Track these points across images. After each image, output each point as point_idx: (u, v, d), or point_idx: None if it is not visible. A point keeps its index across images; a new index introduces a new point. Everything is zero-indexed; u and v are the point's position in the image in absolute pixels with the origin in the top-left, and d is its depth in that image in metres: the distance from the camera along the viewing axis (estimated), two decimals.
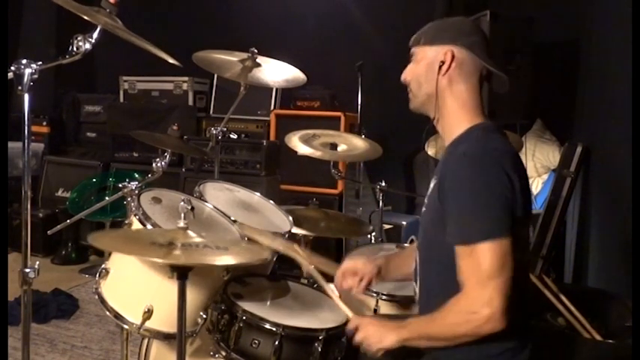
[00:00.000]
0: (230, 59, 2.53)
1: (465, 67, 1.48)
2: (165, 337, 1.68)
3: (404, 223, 3.82)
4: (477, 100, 1.50)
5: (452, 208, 1.38)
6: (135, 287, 1.67)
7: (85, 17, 1.53)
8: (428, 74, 1.50)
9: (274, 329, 1.58)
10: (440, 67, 1.47)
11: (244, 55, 2.50)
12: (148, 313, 1.60)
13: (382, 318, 1.55)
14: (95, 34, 1.53)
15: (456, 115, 1.50)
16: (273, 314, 1.64)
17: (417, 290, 1.58)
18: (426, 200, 1.55)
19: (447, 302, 1.36)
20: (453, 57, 1.47)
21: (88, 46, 1.52)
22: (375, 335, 1.42)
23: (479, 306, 1.29)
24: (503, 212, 1.32)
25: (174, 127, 2.50)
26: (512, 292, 1.30)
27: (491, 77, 1.53)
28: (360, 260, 1.77)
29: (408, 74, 1.56)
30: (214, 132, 2.59)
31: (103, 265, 1.73)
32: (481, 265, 1.30)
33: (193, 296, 1.58)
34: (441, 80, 1.48)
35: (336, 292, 1.71)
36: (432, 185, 1.52)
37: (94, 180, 4.39)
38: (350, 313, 1.56)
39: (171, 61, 1.77)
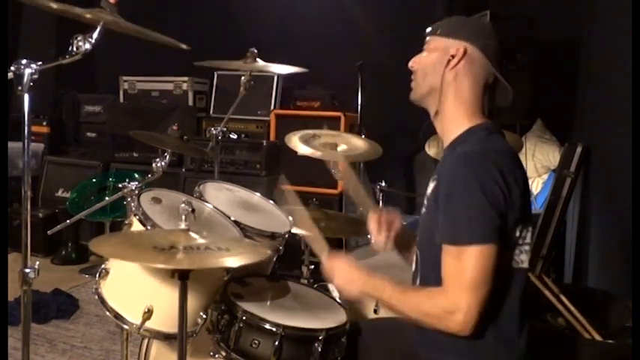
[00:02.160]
0: (230, 63, 2.53)
1: (473, 67, 1.47)
2: (166, 338, 1.68)
3: (404, 223, 3.81)
4: (479, 100, 1.49)
5: (445, 207, 1.38)
6: (135, 287, 1.66)
7: (86, 16, 1.53)
8: (436, 65, 1.48)
9: (274, 329, 1.57)
10: (449, 60, 1.46)
11: (244, 63, 2.50)
12: (148, 314, 1.60)
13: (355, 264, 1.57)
14: (95, 34, 1.53)
15: (455, 114, 1.49)
16: (273, 314, 1.63)
17: None
18: (425, 201, 1.55)
19: (426, 289, 1.40)
20: (464, 53, 1.45)
21: (88, 46, 1.52)
22: (342, 279, 1.51)
23: (456, 309, 1.31)
24: (495, 217, 1.32)
25: (174, 127, 2.50)
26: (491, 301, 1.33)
27: (497, 87, 1.51)
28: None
29: (416, 62, 1.54)
30: (214, 132, 2.60)
31: (103, 265, 1.73)
32: (466, 270, 1.31)
33: (193, 297, 1.58)
34: (447, 74, 1.46)
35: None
36: (431, 185, 1.52)
37: (94, 180, 4.40)
38: (324, 250, 1.61)
39: (182, 46, 1.76)
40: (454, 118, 1.49)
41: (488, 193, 1.32)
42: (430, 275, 1.51)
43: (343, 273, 1.52)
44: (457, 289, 1.32)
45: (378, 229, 1.79)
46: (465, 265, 1.31)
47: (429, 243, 1.51)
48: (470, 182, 1.34)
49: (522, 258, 1.42)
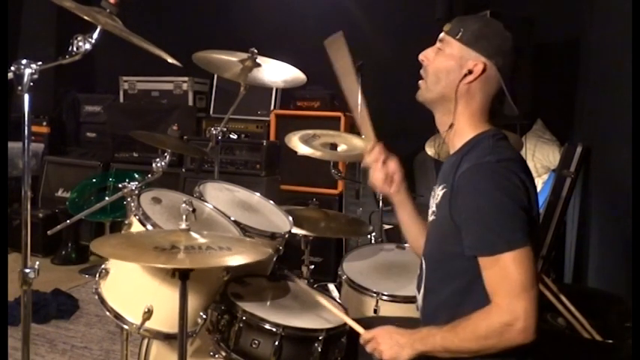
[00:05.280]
0: (230, 59, 2.53)
1: (488, 84, 1.46)
2: (166, 338, 1.67)
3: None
4: (486, 110, 1.50)
5: (471, 219, 1.36)
6: (135, 287, 1.66)
7: (85, 17, 1.53)
8: (450, 75, 1.46)
9: (274, 329, 1.57)
10: (465, 75, 1.44)
11: (244, 55, 2.51)
12: (148, 314, 1.60)
13: (394, 324, 1.52)
14: (95, 34, 1.53)
15: (463, 123, 1.49)
16: (273, 314, 1.63)
17: (420, 299, 1.57)
18: (434, 208, 1.52)
19: (472, 315, 1.33)
20: (482, 72, 1.44)
21: (88, 46, 1.52)
22: (391, 350, 1.42)
23: (514, 318, 1.28)
24: (524, 220, 1.32)
25: (174, 128, 2.50)
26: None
27: (504, 101, 1.51)
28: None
29: (429, 59, 1.52)
30: (214, 132, 2.59)
31: (102, 266, 1.73)
32: (511, 276, 1.29)
33: (193, 297, 1.58)
34: (461, 87, 1.46)
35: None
36: (439, 193, 1.49)
37: (94, 180, 4.40)
38: (361, 330, 1.55)
39: (170, 60, 1.76)
40: (462, 127, 1.49)
41: (513, 196, 1.33)
42: (439, 286, 1.50)
43: (389, 343, 1.43)
44: (509, 297, 1.29)
45: (384, 179, 1.84)
46: (510, 272, 1.29)
47: (440, 253, 1.50)
48: (494, 191, 1.34)
49: None
